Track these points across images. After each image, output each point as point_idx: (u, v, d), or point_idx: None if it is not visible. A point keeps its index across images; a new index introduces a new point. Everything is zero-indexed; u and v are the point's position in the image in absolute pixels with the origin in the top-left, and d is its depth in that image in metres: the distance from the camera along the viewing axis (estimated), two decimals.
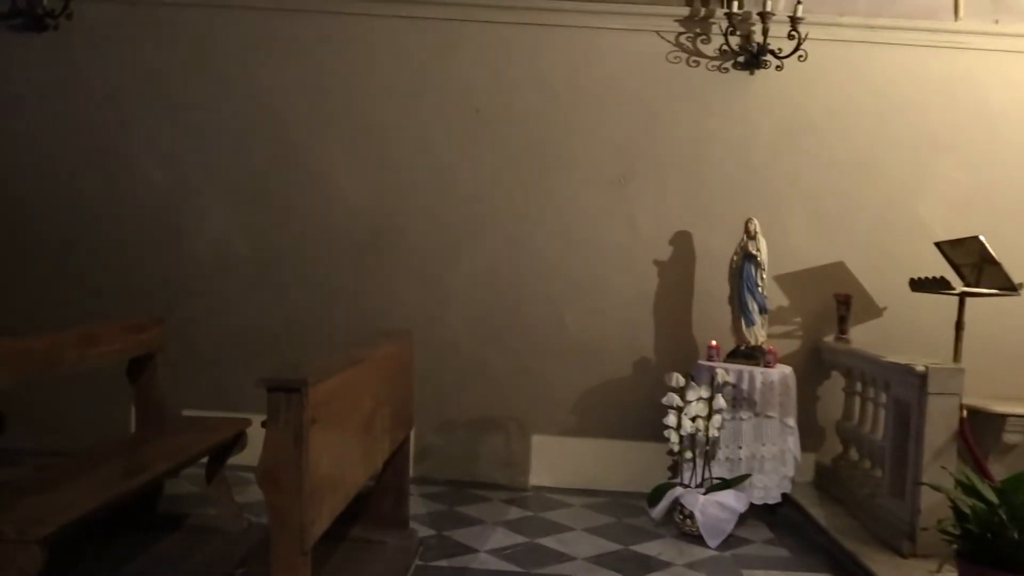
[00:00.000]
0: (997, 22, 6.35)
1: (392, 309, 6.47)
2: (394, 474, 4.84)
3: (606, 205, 6.45)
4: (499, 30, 6.43)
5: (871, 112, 6.40)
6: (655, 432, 5.94)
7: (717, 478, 5.58)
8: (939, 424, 4.81)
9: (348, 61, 6.49)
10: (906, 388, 4.97)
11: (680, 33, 6.41)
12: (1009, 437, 6.14)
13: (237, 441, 5.00)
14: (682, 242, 6.45)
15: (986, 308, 5.93)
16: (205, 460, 4.87)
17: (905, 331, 6.32)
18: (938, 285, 5.68)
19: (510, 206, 6.48)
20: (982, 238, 5.51)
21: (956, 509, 3.99)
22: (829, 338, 6.39)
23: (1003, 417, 6.07)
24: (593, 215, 6.46)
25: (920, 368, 4.81)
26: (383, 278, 6.52)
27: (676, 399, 5.50)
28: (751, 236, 5.99)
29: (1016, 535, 3.71)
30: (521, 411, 6.51)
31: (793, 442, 5.82)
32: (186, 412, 6.20)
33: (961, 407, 4.85)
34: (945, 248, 5.89)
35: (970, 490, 3.97)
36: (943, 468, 4.62)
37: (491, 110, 6.47)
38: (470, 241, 6.50)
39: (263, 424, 2.99)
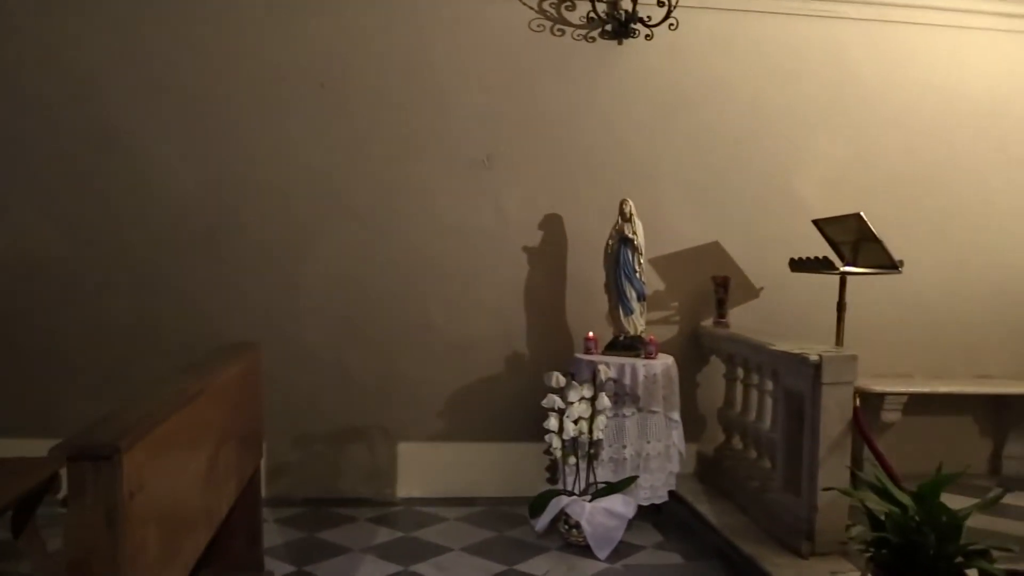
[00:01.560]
0: None
1: (235, 311, 5.72)
2: (244, 512, 4.16)
3: (470, 188, 5.90)
4: None
5: (744, 85, 6.11)
6: (530, 432, 5.51)
7: (602, 482, 5.18)
8: (834, 415, 4.55)
9: (172, 26, 5.63)
10: (798, 378, 4.68)
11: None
12: (887, 416, 6.06)
13: (51, 485, 4.18)
14: (553, 226, 5.98)
15: (860, 284, 5.77)
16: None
17: (783, 312, 6.12)
18: (820, 265, 5.47)
19: (364, 192, 5.83)
20: (863, 215, 5.29)
21: (870, 514, 3.71)
22: (707, 322, 6.11)
23: (881, 396, 5.99)
24: (456, 199, 5.90)
25: (814, 357, 4.53)
26: (224, 275, 5.74)
27: (557, 401, 5.05)
28: (626, 218, 5.59)
29: (934, 543, 3.45)
30: (386, 417, 5.91)
31: (678, 436, 5.49)
32: None
33: (855, 395, 4.63)
34: (823, 226, 5.67)
35: (883, 494, 3.70)
36: (848, 468, 4.38)
37: (339, 85, 5.78)
38: (320, 232, 5.81)
39: (62, 502, 2.29)
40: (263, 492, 4.76)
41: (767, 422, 5.35)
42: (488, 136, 5.90)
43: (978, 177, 6.35)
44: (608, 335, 5.67)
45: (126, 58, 5.60)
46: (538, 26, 5.90)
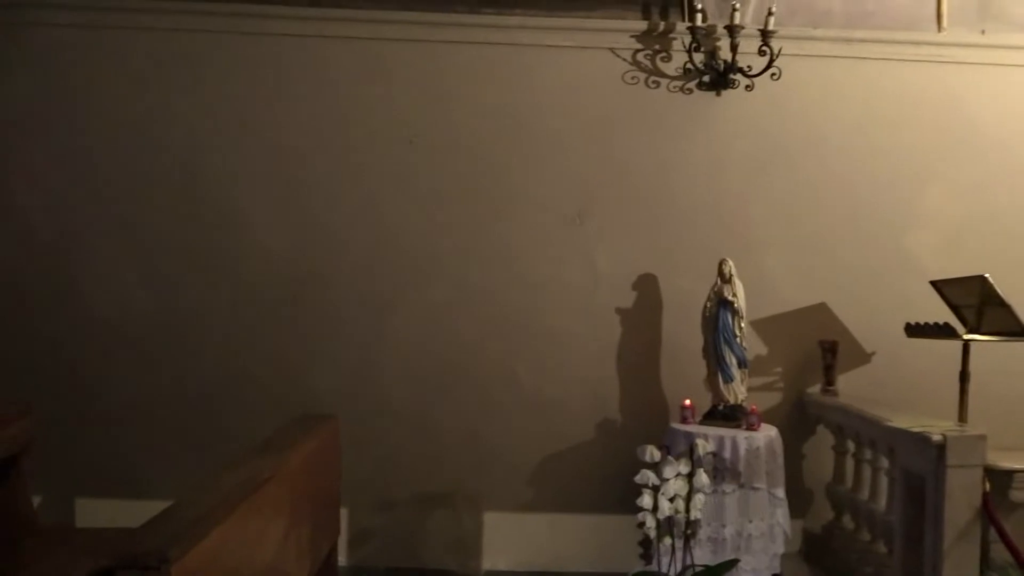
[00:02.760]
0: (984, 32, 5.75)
1: (321, 369, 5.61)
2: None
3: (562, 245, 5.68)
4: (434, 50, 5.64)
5: (851, 135, 5.73)
6: (623, 504, 5.15)
7: (700, 565, 4.81)
8: (960, 501, 4.10)
9: (261, 86, 5.63)
10: (919, 458, 4.25)
11: (637, 50, 5.67)
12: (1016, 495, 5.50)
13: None
14: (647, 286, 5.70)
15: (984, 351, 5.27)
16: None
17: (897, 380, 5.62)
18: (940, 331, 5.04)
19: (452, 248, 5.67)
20: (988, 277, 4.85)
21: None
22: (814, 389, 5.70)
23: (1009, 473, 5.45)
24: (547, 257, 5.68)
25: (937, 437, 4.11)
26: (307, 333, 5.65)
27: (651, 477, 4.71)
28: (726, 279, 5.28)
29: None
30: (471, 483, 5.68)
31: (783, 515, 5.10)
32: (84, 500, 5.47)
33: (984, 479, 4.17)
34: (942, 288, 5.23)
35: None
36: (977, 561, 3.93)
37: (428, 141, 5.66)
38: (406, 288, 5.67)
39: None
40: (343, 559, 4.59)
41: (882, 503, 4.91)
42: (580, 192, 5.69)
43: None
44: (706, 403, 5.33)
45: (214, 123, 5.61)
46: (632, 78, 5.68)
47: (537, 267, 5.68)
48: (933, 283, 5.26)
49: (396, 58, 5.64)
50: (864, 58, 5.71)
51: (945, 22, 5.74)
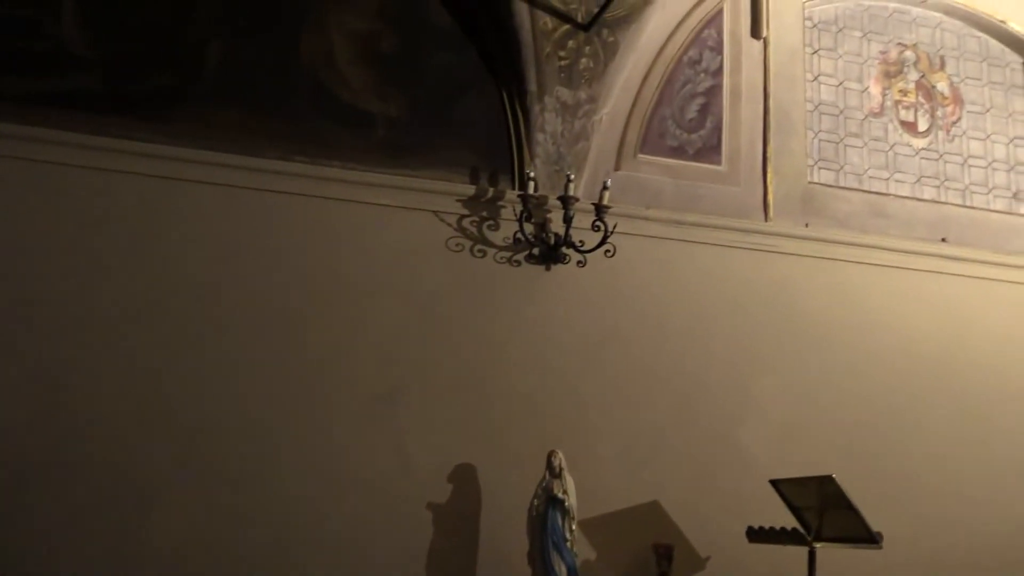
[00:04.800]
0: (807, 225, 5.72)
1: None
2: None
3: (368, 428, 4.90)
4: (232, 195, 4.95)
5: (685, 320, 5.43)
6: None
7: None
8: None
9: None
10: None
11: (464, 216, 5.22)
12: None
13: None
14: (465, 478, 4.96)
15: (830, 558, 4.85)
16: None
17: None
18: (786, 537, 4.60)
19: (230, 433, 4.74)
20: (835, 477, 4.50)
21: None
22: None
23: None
24: (350, 441, 4.87)
25: None
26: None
27: None
28: (555, 473, 4.67)
29: None
30: None
31: None
32: None
33: None
34: (783, 488, 4.84)
35: None
36: None
37: (209, 298, 4.86)
38: (162, 490, 4.63)
39: None
40: None
41: None
42: (392, 368, 4.99)
43: (935, 435, 5.68)
44: None
45: None
46: (457, 245, 5.18)
47: (337, 452, 4.84)
48: (774, 482, 4.87)
49: (181, 200, 4.88)
50: (696, 242, 5.52)
51: (772, 212, 5.69)
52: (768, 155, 5.76)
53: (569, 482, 4.66)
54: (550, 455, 4.70)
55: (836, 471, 4.65)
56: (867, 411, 5.58)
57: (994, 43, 6.45)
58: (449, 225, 5.18)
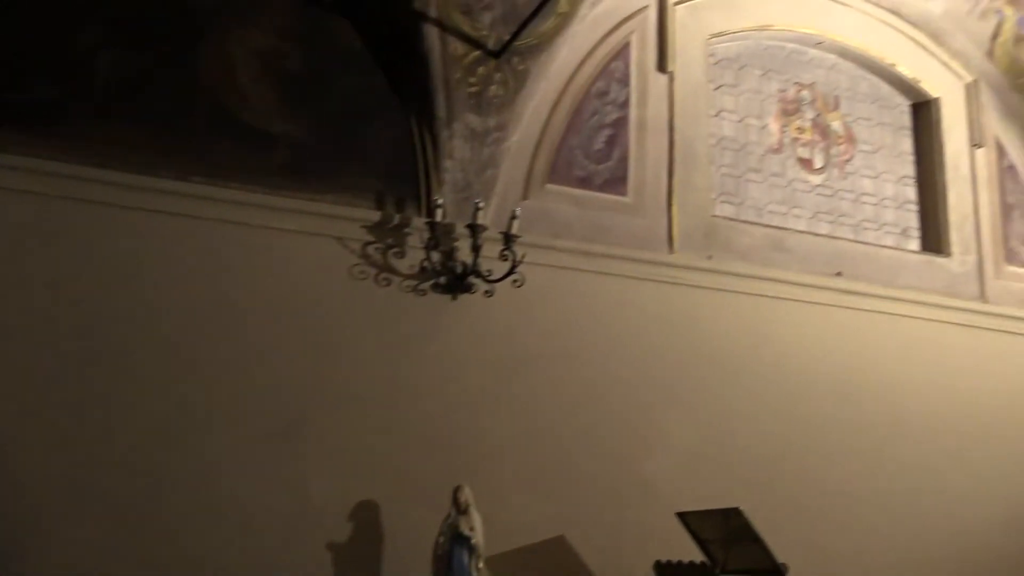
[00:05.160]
0: (711, 258, 5.77)
1: None
2: None
3: (263, 469, 4.64)
4: (124, 217, 4.64)
5: (593, 351, 5.40)
6: None
7: None
8: None
9: None
10: None
11: (368, 243, 5.05)
12: None
13: None
14: (368, 516, 4.76)
15: None
16: None
17: None
18: (695, 571, 4.59)
19: (108, 471, 4.42)
20: (742, 510, 4.50)
21: None
22: None
23: None
24: (242, 483, 4.60)
25: None
26: None
27: None
28: (461, 510, 4.54)
29: None
30: None
31: None
32: None
33: None
34: (691, 520, 4.82)
35: None
36: None
37: (101, 325, 4.54)
38: (56, 522, 4.29)
39: None
40: None
41: None
42: (291, 402, 4.77)
43: (834, 464, 5.79)
44: None
45: None
46: (361, 273, 5.00)
47: (228, 492, 4.57)
48: (680, 515, 4.85)
49: (62, 219, 4.56)
50: (603, 273, 5.50)
51: (677, 244, 5.72)
52: (673, 188, 5.80)
53: (476, 519, 4.52)
54: (456, 491, 4.57)
55: (741, 502, 4.67)
56: (770, 441, 5.65)
57: (884, 86, 6.72)
58: (353, 252, 5.00)
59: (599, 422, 5.32)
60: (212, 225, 4.75)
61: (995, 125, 6.76)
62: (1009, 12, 6.37)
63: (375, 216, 5.05)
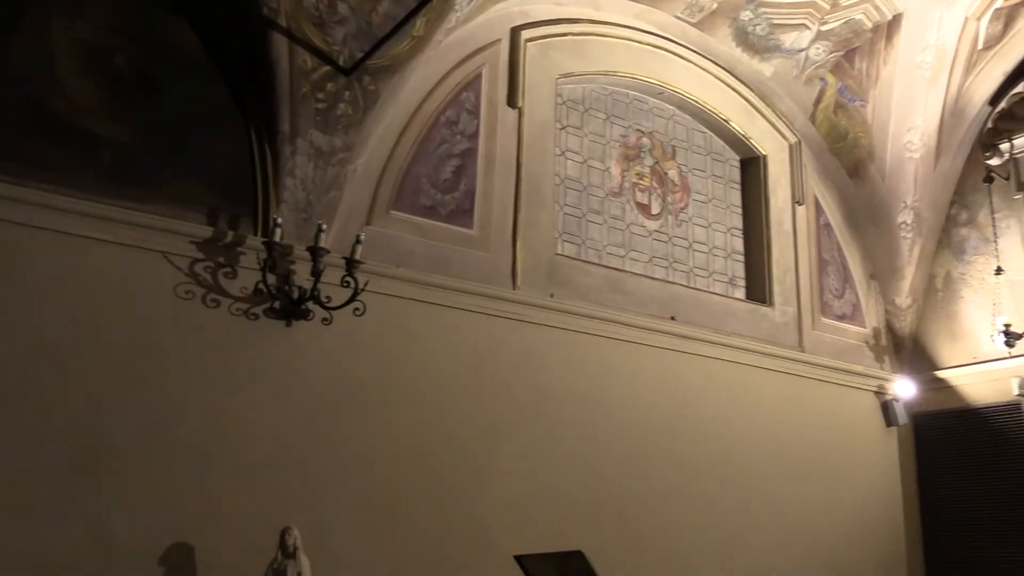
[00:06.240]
0: (552, 296, 5.73)
1: None
2: None
3: (62, 503, 4.11)
4: None
5: (431, 386, 5.20)
6: None
7: None
8: None
9: None
10: None
11: (197, 260, 4.64)
12: None
13: None
14: (179, 562, 4.30)
15: None
16: None
17: None
18: None
19: None
20: (584, 553, 4.40)
21: None
22: None
23: None
24: (36, 521, 4.04)
25: None
26: None
27: None
28: (289, 553, 4.24)
29: None
30: None
31: None
32: None
33: None
34: (529, 564, 4.66)
35: None
36: None
37: None
38: None
39: None
40: None
41: None
42: (92, 433, 4.24)
43: (667, 504, 5.84)
44: None
45: None
46: (187, 293, 4.58)
47: (19, 531, 3.99)
48: (517, 558, 4.68)
49: None
50: (445, 306, 5.33)
51: (520, 280, 5.64)
52: (518, 224, 5.73)
53: (304, 563, 4.22)
54: (284, 533, 4.25)
55: (575, 542, 4.60)
56: (604, 481, 5.64)
57: (718, 140, 6.99)
58: (179, 269, 4.58)
59: (435, 460, 5.11)
60: (17, 230, 4.20)
61: (815, 184, 7.19)
62: (832, 80, 6.81)
63: (206, 232, 4.64)
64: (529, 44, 5.98)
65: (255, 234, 4.76)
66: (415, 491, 5.02)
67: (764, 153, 6.99)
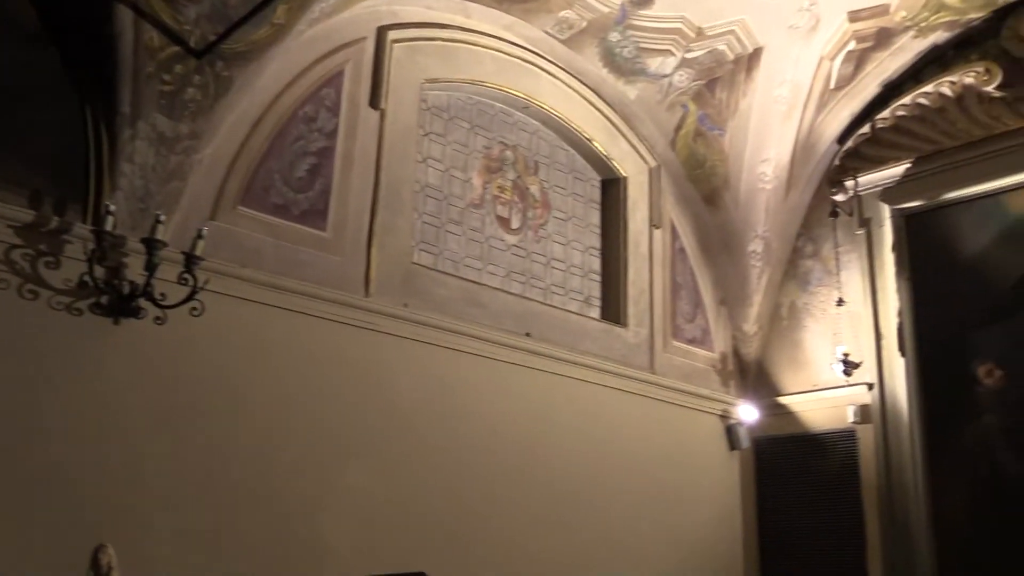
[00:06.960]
0: (407, 306, 5.52)
1: None
2: None
3: None
4: None
5: (272, 396, 4.87)
6: None
7: None
8: None
9: None
10: None
11: (15, 246, 4.17)
12: None
13: None
14: None
15: None
16: None
17: None
18: None
19: None
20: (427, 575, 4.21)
21: None
22: None
23: None
24: None
25: None
26: None
27: None
28: (102, 574, 3.80)
29: None
30: None
31: None
32: None
33: None
34: None
35: None
36: None
37: None
38: None
39: None
40: None
41: None
42: None
43: (521, 522, 5.71)
44: None
45: None
46: (1, 282, 4.11)
47: None
48: None
49: None
50: (292, 310, 5.03)
51: (373, 288, 5.41)
52: (374, 229, 5.50)
53: None
54: (97, 551, 3.87)
55: (422, 563, 4.43)
56: (455, 499, 5.46)
57: (580, 159, 6.99)
58: None
59: (275, 475, 4.79)
60: None
61: (672, 209, 7.29)
62: (693, 107, 6.93)
63: (27, 216, 4.18)
64: (396, 45, 5.78)
65: (84, 222, 4.34)
66: (252, 509, 4.68)
67: (625, 175, 7.04)
